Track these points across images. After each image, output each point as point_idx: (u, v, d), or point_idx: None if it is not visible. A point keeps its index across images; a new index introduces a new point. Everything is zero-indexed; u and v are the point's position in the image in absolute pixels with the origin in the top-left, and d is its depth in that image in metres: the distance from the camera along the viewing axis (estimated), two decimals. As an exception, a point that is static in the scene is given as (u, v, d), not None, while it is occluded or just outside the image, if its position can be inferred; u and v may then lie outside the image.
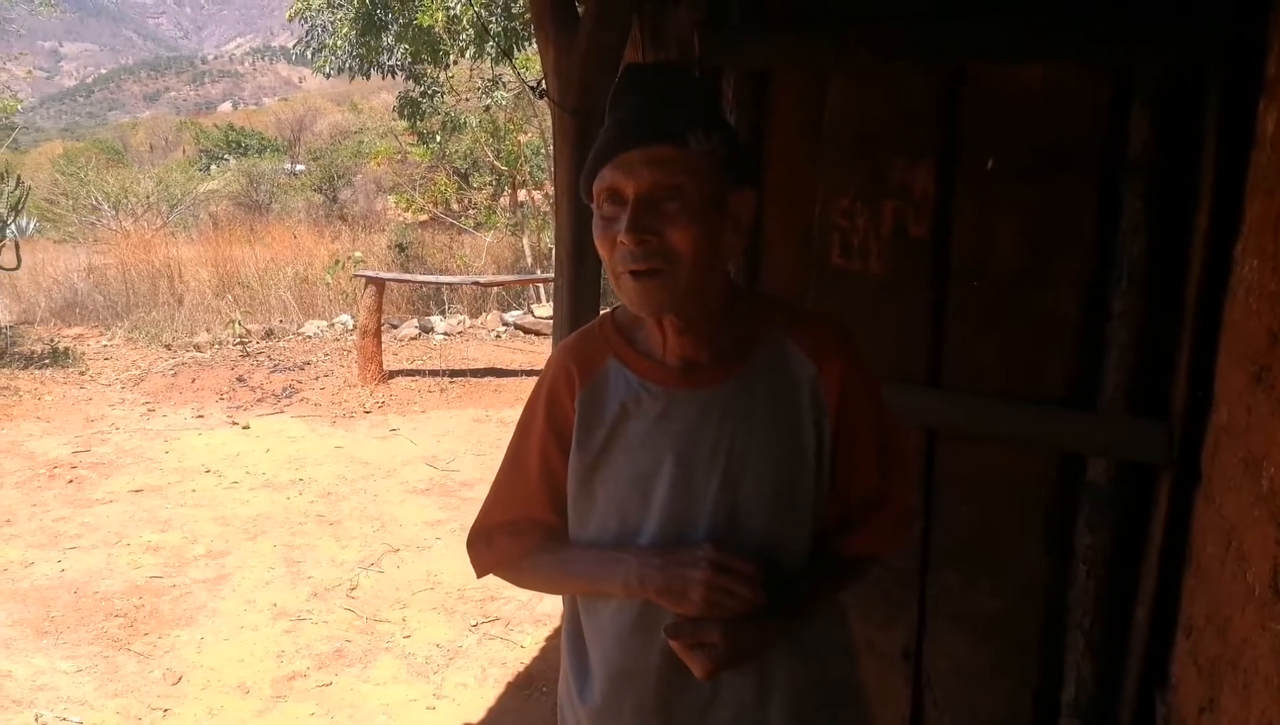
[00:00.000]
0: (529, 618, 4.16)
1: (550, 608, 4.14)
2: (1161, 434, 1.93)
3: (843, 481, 1.35)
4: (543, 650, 3.91)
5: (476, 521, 1.45)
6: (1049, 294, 2.08)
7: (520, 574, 1.45)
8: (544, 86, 2.25)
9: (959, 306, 2.20)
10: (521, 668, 3.80)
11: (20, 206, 10.14)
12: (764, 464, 1.29)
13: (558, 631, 3.96)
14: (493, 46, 10.65)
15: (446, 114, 13.65)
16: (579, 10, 2.19)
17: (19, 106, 10.62)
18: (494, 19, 10.51)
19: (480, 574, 1.47)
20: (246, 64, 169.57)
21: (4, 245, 9.60)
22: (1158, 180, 1.90)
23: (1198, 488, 1.83)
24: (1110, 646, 2.12)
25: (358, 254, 11.76)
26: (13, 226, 9.99)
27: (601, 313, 1.48)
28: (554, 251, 2.41)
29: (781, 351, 1.31)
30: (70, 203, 17.80)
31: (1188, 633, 1.81)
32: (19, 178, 10.49)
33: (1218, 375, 1.76)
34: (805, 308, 1.47)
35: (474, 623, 4.15)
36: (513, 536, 1.42)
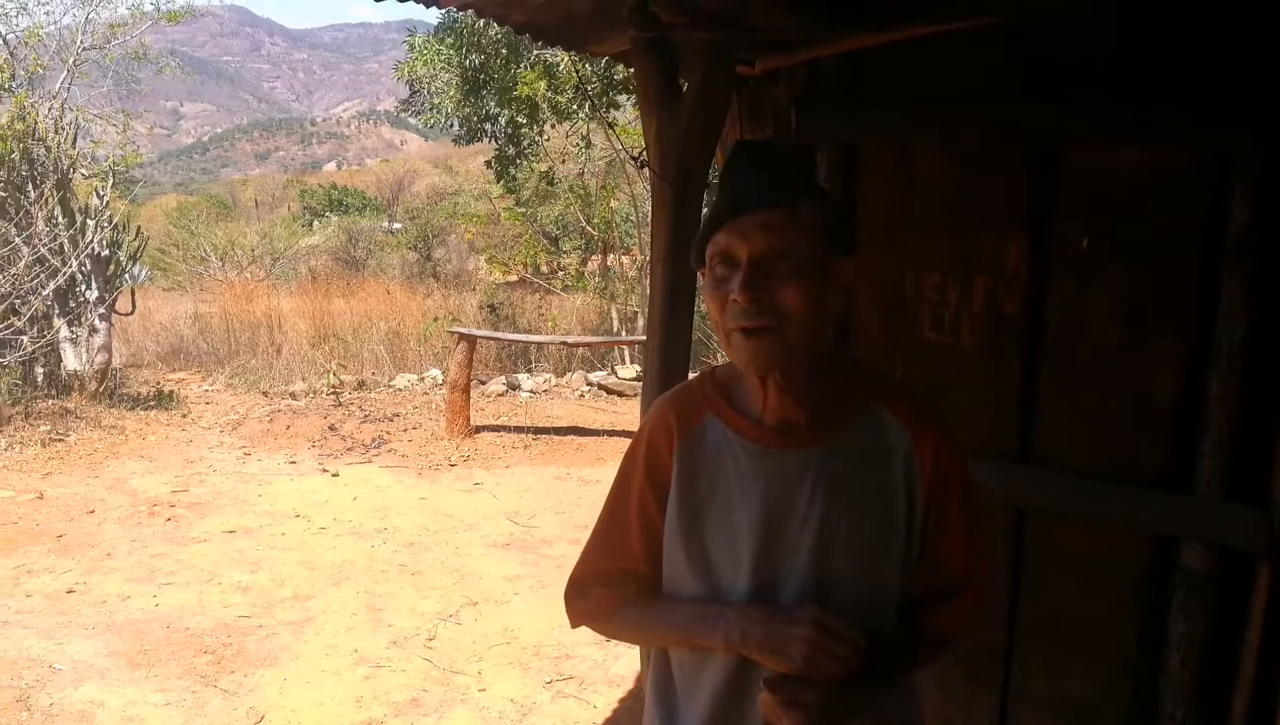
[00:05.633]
0: (603, 678, 4.15)
1: (624, 669, 4.13)
2: (1261, 522, 1.89)
3: (931, 555, 1.36)
4: (615, 712, 3.88)
5: (573, 572, 1.47)
6: (1145, 374, 2.05)
7: (613, 625, 1.47)
8: (644, 157, 2.33)
9: (1052, 383, 2.18)
10: (594, 728, 3.79)
11: (138, 256, 10.69)
12: (856, 529, 1.30)
13: (631, 694, 3.95)
14: (589, 112, 10.95)
15: (541, 175, 13.96)
16: (682, 86, 2.27)
17: (140, 160, 11.27)
18: (593, 82, 10.79)
19: (575, 624, 1.48)
20: (352, 126, 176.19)
21: (121, 292, 10.10)
22: (1259, 263, 1.88)
23: (1299, 579, 1.78)
24: (1204, 740, 2.05)
25: (449, 317, 12.11)
26: (129, 274, 10.53)
27: (699, 371, 1.52)
28: (646, 314, 2.46)
29: (877, 418, 1.32)
30: (180, 253, 18.73)
31: (1288, 729, 1.75)
32: (139, 228, 11.09)
33: (1321, 464, 1.72)
34: (896, 378, 1.48)
35: (548, 679, 4.15)
36: (607, 588, 1.44)
